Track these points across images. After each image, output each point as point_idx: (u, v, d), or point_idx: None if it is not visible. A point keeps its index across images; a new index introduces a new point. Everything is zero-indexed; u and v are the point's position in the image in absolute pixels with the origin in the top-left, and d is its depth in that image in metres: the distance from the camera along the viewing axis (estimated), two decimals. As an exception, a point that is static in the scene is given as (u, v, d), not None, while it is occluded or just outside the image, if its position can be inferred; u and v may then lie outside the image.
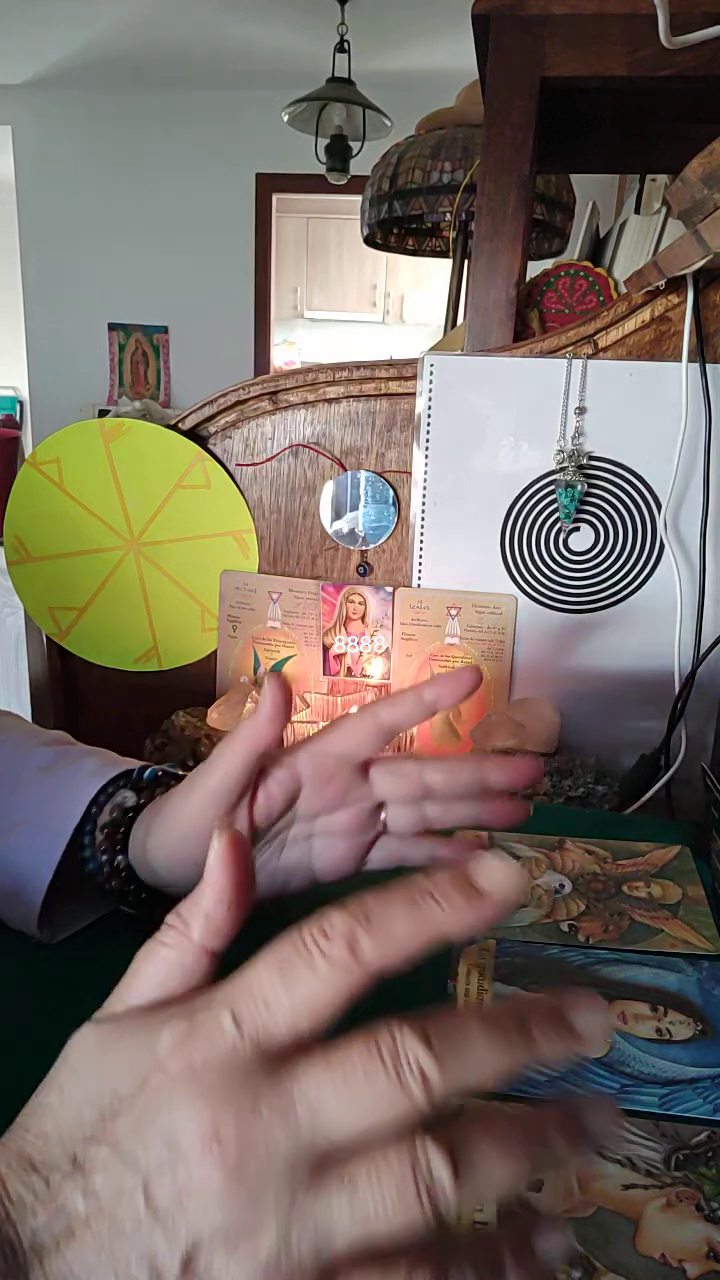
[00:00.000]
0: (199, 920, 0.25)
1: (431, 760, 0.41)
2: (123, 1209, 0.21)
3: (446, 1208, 0.20)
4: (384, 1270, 0.20)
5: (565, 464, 0.80)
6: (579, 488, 0.80)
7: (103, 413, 3.99)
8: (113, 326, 4.36)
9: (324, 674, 0.91)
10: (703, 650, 0.79)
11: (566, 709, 0.84)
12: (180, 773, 0.46)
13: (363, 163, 2.46)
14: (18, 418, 5.29)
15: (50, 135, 4.14)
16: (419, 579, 0.87)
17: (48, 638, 0.99)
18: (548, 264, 0.90)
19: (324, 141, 2.96)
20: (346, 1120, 0.21)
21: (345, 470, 0.88)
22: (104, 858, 0.43)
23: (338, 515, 0.89)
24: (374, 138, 2.88)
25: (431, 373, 0.81)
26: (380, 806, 0.42)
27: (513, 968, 0.46)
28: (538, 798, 0.74)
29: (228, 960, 0.25)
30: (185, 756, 0.80)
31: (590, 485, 0.80)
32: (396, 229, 1.69)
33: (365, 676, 0.90)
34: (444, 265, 1.76)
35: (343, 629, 0.89)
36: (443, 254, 1.72)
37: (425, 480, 0.84)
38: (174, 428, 0.90)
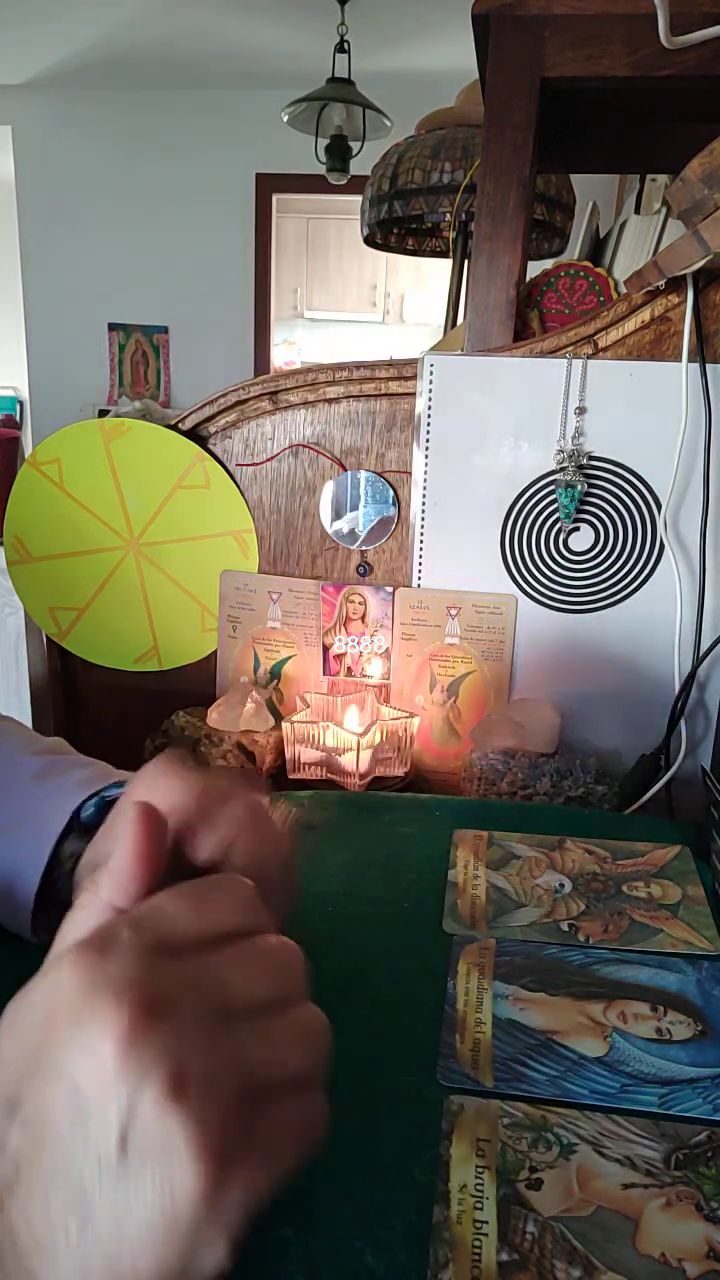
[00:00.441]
0: (106, 880, 0.27)
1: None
2: (56, 1115, 0.23)
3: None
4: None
5: (565, 464, 0.80)
6: (579, 488, 0.80)
7: (103, 413, 3.99)
8: (113, 326, 4.36)
9: (324, 674, 0.91)
10: (703, 650, 0.79)
11: (566, 709, 0.84)
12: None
13: (363, 163, 2.46)
14: (18, 418, 5.29)
15: (50, 135, 4.14)
16: (419, 579, 0.87)
17: (48, 638, 0.99)
18: (548, 264, 0.90)
19: (324, 141, 2.96)
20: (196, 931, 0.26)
21: (345, 470, 0.88)
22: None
23: (338, 515, 0.89)
24: (374, 138, 2.88)
25: (431, 373, 0.81)
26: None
27: (513, 967, 0.46)
28: (538, 798, 0.74)
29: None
30: (185, 756, 0.80)
31: (590, 485, 0.80)
32: (396, 229, 1.69)
33: (365, 676, 0.90)
34: (444, 265, 1.76)
35: (343, 629, 0.89)
36: (443, 254, 1.72)
37: (425, 480, 0.84)
38: (174, 428, 0.90)
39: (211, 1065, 0.23)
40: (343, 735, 0.80)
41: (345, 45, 2.93)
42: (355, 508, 0.89)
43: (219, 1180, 0.22)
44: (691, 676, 0.79)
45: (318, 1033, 0.26)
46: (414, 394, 0.83)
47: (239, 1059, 0.24)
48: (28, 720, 1.15)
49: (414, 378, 0.83)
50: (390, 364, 0.84)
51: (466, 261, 1.37)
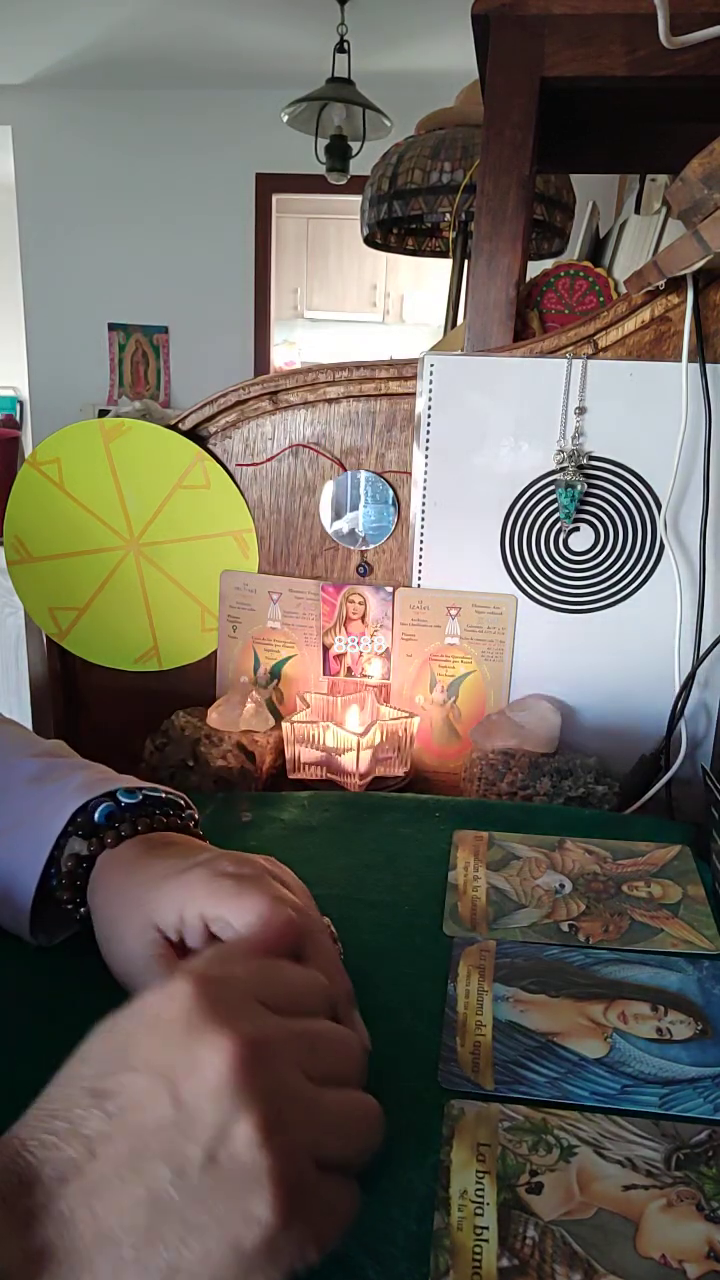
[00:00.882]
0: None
1: None
2: (147, 1114, 0.24)
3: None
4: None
5: (565, 464, 0.80)
6: (579, 488, 0.80)
7: (103, 413, 3.99)
8: (113, 326, 4.36)
9: (324, 674, 0.91)
10: (703, 650, 0.79)
11: (566, 709, 0.84)
12: (162, 793, 0.46)
13: (363, 163, 2.46)
14: (18, 418, 5.29)
15: (50, 135, 4.14)
16: (419, 579, 0.87)
17: (48, 638, 0.99)
18: (548, 264, 0.90)
19: (324, 141, 2.96)
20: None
21: (345, 470, 0.88)
22: (69, 907, 0.44)
23: (338, 515, 0.89)
24: (374, 138, 2.88)
25: (431, 373, 0.81)
26: None
27: (513, 968, 0.46)
28: (538, 798, 0.74)
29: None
30: (185, 756, 0.80)
31: (590, 485, 0.80)
32: (396, 229, 1.69)
33: (365, 676, 0.90)
34: (444, 265, 1.76)
35: (343, 629, 0.89)
36: (443, 254, 1.72)
37: (425, 480, 0.84)
38: (174, 428, 0.90)
39: (298, 1118, 0.25)
40: (343, 735, 0.80)
41: (345, 45, 2.93)
42: (355, 508, 0.89)
43: (286, 1225, 0.23)
44: (691, 676, 0.79)
45: (375, 1120, 0.28)
46: (414, 394, 0.83)
47: (318, 1123, 0.26)
48: (28, 720, 1.15)
49: (414, 378, 0.83)
50: (390, 364, 0.83)
51: (466, 261, 1.37)
